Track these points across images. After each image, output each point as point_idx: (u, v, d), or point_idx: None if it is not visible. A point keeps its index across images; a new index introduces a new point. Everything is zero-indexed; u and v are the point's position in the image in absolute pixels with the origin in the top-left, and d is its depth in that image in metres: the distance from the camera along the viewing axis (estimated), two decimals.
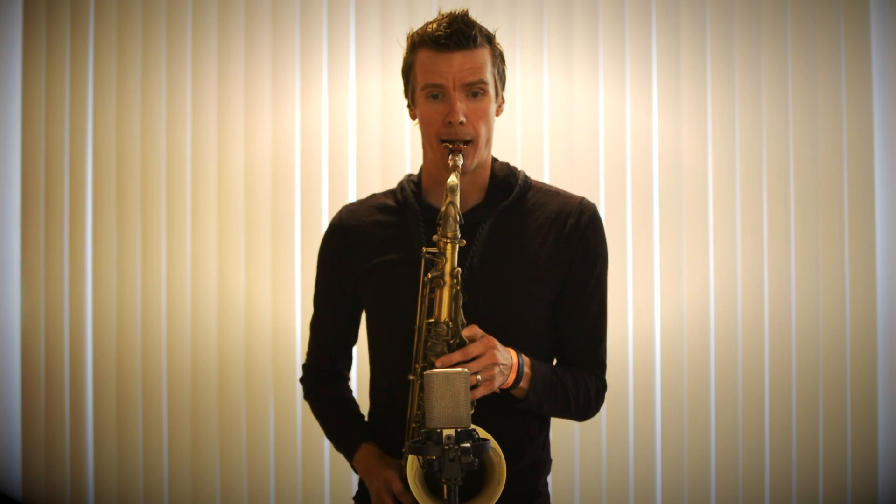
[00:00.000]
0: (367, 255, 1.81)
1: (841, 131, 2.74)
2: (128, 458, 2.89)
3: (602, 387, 1.82)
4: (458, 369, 1.42)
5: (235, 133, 2.87)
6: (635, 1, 2.78)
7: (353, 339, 1.95)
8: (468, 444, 1.38)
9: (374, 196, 1.90)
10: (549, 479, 1.88)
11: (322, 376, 1.94)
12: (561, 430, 2.76)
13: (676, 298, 2.75)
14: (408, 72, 1.76)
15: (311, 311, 2.78)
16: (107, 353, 2.90)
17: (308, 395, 1.95)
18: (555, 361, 1.84)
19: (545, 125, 2.80)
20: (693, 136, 2.78)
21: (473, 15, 1.73)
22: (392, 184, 2.77)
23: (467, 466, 1.38)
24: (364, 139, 2.84)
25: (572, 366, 1.80)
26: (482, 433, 1.59)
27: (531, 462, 1.79)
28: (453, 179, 1.62)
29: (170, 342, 2.88)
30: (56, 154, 2.93)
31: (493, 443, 1.59)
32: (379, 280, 1.79)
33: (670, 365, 2.76)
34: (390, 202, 1.85)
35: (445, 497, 1.40)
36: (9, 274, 2.97)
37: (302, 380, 1.97)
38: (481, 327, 1.67)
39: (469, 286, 1.71)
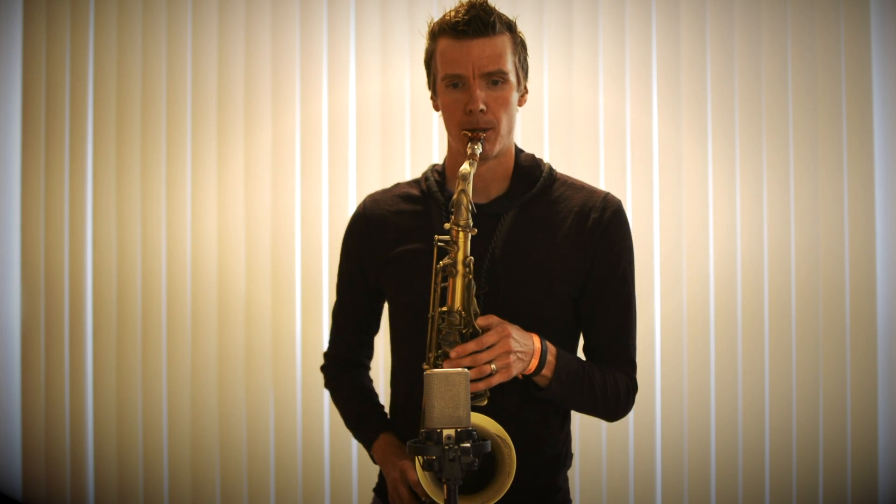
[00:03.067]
0: (390, 245, 1.80)
1: (841, 130, 2.74)
2: (128, 458, 2.89)
3: (632, 386, 1.78)
4: (458, 369, 1.41)
5: (235, 133, 2.87)
6: (635, 1, 2.78)
7: (375, 328, 1.94)
8: (468, 444, 1.37)
9: (398, 185, 1.89)
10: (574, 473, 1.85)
11: (343, 365, 1.94)
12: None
13: (676, 297, 2.75)
14: (429, 62, 1.76)
15: (307, 308, 2.83)
16: (107, 353, 2.90)
17: (328, 384, 1.96)
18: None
19: (545, 125, 2.80)
20: (693, 133, 2.77)
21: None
22: (391, 181, 2.79)
23: (467, 466, 1.38)
24: (364, 135, 2.84)
25: (601, 363, 1.76)
26: (494, 426, 1.59)
27: (551, 456, 1.77)
28: (465, 167, 1.61)
29: (170, 344, 2.88)
30: (56, 154, 2.93)
31: (504, 434, 1.59)
32: (400, 269, 1.78)
33: (670, 362, 2.75)
34: (415, 191, 1.84)
35: (445, 497, 1.40)
36: (9, 274, 2.97)
37: (323, 368, 1.97)
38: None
39: (490, 277, 1.71)
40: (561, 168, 2.73)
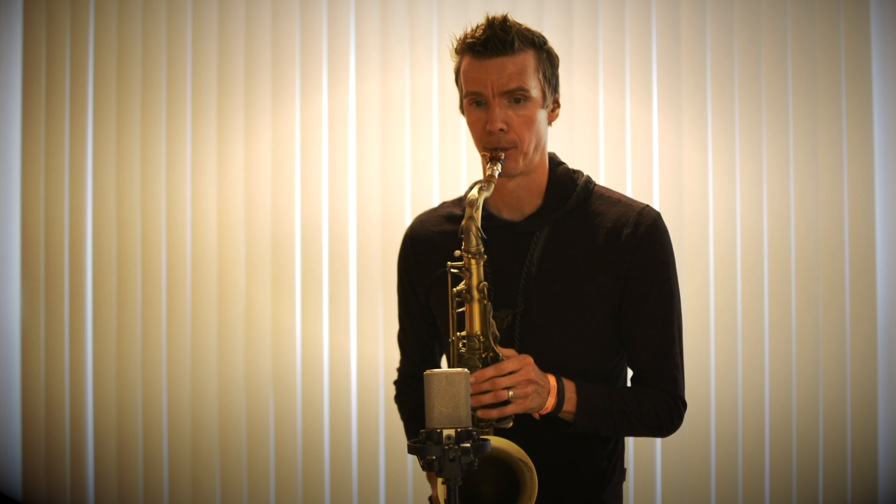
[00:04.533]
0: (435, 265, 1.80)
1: (841, 131, 2.73)
2: (128, 458, 2.88)
3: (675, 404, 1.73)
4: (459, 369, 1.41)
5: (235, 134, 2.87)
6: (635, 1, 2.78)
7: (436, 343, 1.93)
8: (468, 444, 1.37)
9: (444, 204, 1.90)
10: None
11: (409, 381, 1.96)
12: None
13: None
14: (456, 79, 1.75)
15: (307, 311, 2.83)
16: (107, 352, 2.90)
17: (396, 400, 1.98)
18: (629, 375, 1.80)
19: None
20: (693, 135, 2.77)
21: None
22: (391, 180, 2.80)
23: (467, 466, 1.38)
24: (364, 139, 2.84)
25: (643, 381, 1.74)
26: (516, 450, 1.58)
27: (594, 473, 1.75)
28: (473, 193, 1.61)
29: (169, 341, 2.88)
30: (56, 155, 2.93)
31: (526, 457, 1.58)
32: (445, 289, 1.76)
33: None
34: (457, 211, 1.83)
35: (445, 497, 1.40)
36: (9, 274, 2.97)
37: (395, 383, 1.99)
38: (535, 339, 1.65)
39: (525, 296, 1.70)
40: None
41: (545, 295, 1.70)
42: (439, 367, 1.97)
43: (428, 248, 1.83)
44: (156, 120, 2.90)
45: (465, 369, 1.42)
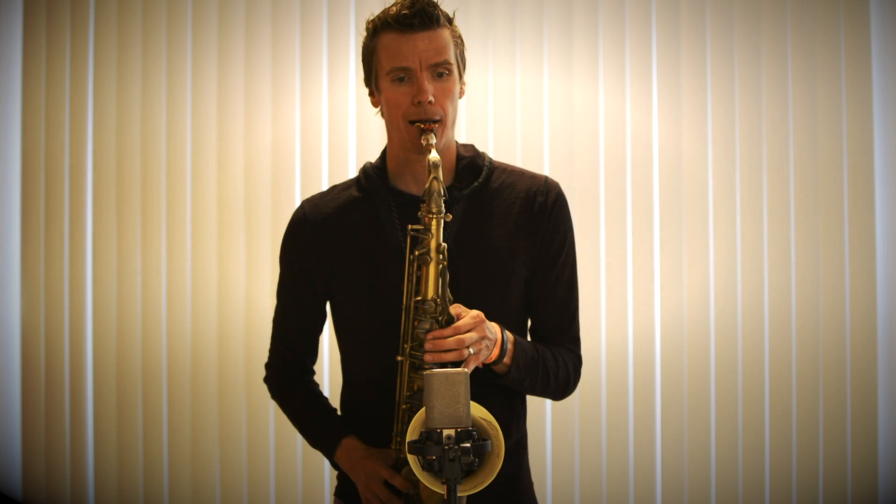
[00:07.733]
0: (339, 249, 1.79)
1: (841, 131, 2.74)
2: (128, 458, 2.89)
3: (578, 362, 1.83)
4: (459, 369, 1.42)
5: (235, 133, 2.87)
6: (635, 1, 2.78)
7: (319, 331, 1.92)
8: (468, 444, 1.38)
9: (334, 188, 1.88)
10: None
11: (289, 373, 1.91)
12: (561, 426, 2.76)
13: (676, 297, 2.75)
14: (370, 58, 1.74)
15: None
16: (107, 352, 2.90)
17: (276, 395, 1.92)
18: (528, 338, 1.84)
19: (545, 125, 2.80)
20: (693, 134, 2.78)
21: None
22: None
23: (467, 466, 1.38)
24: (364, 137, 2.84)
25: (547, 342, 1.80)
26: (479, 410, 1.57)
27: (517, 440, 1.81)
28: (435, 155, 1.62)
29: (170, 342, 2.88)
30: (56, 155, 2.93)
31: (490, 417, 1.58)
32: (355, 272, 1.77)
33: (670, 365, 2.75)
34: (355, 192, 1.82)
35: (445, 497, 1.40)
36: (9, 274, 2.97)
37: (267, 379, 1.93)
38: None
39: (449, 270, 1.70)
40: (561, 168, 2.77)
41: (468, 267, 1.73)
42: (317, 353, 1.93)
43: (329, 233, 1.80)
44: (156, 120, 2.89)
45: (466, 369, 1.42)
